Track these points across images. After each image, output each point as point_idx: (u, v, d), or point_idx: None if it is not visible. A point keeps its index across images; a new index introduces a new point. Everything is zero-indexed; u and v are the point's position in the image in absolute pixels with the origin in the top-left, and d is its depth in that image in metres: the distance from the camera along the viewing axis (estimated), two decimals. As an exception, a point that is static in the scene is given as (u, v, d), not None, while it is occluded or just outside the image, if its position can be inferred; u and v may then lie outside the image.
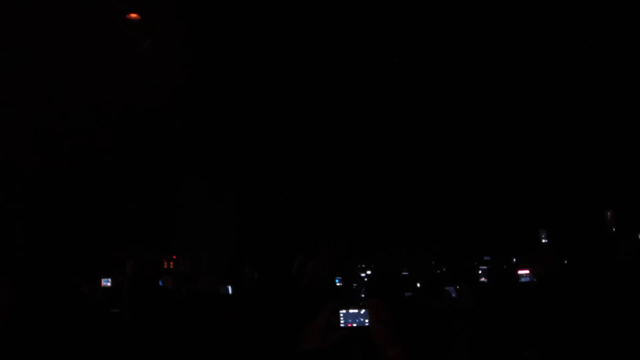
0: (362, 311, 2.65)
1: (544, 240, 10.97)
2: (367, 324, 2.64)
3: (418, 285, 8.41)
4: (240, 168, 14.04)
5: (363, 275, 11.77)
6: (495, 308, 4.38)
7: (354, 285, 9.00)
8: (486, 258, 12.08)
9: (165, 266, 12.81)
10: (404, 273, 11.54)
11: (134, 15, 10.77)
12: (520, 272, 6.19)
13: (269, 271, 8.39)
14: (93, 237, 12.40)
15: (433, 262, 13.50)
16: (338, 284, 8.28)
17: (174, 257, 13.13)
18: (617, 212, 12.62)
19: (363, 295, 6.19)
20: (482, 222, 14.69)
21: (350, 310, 2.66)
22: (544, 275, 4.70)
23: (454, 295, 5.41)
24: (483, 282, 7.52)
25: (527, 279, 5.97)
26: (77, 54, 10.51)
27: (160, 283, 8.01)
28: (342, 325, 2.67)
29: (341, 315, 2.67)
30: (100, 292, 9.21)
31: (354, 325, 2.65)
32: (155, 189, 13.46)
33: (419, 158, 14.50)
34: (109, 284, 9.67)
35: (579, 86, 11.72)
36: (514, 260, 9.82)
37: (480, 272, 8.00)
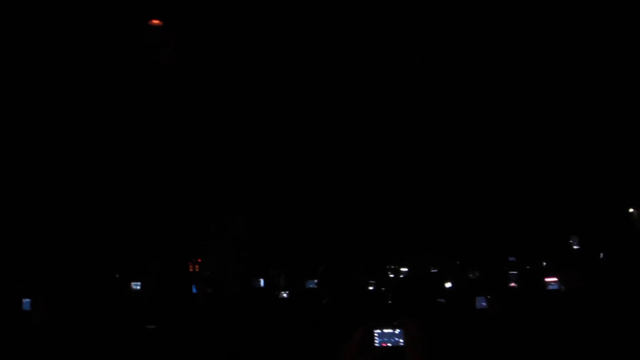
0: (397, 331, 2.67)
1: (575, 247, 10.79)
2: (401, 344, 2.66)
3: (447, 285, 8.40)
4: (268, 176, 14.09)
5: (392, 276, 11.75)
6: (525, 319, 4.38)
7: (382, 289, 9.00)
8: (511, 259, 12.00)
9: (191, 269, 12.86)
10: (434, 270, 11.52)
11: (156, 22, 10.84)
12: (547, 279, 6.14)
13: (297, 279, 8.43)
14: (119, 243, 12.50)
15: (458, 262, 13.45)
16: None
17: (199, 260, 13.16)
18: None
19: (390, 302, 6.18)
20: (510, 223, 14.58)
21: (385, 330, 2.68)
22: (576, 285, 4.67)
23: (484, 304, 5.39)
24: (513, 287, 7.50)
25: (555, 287, 5.92)
26: (100, 62, 10.62)
27: (194, 290, 8.03)
28: (376, 344, 2.68)
29: (376, 334, 2.69)
30: (131, 296, 9.24)
31: (389, 345, 2.66)
32: (181, 194, 13.53)
33: (446, 159, 14.46)
34: (139, 288, 9.62)
35: (606, 90, 11.63)
36: (544, 264, 9.74)
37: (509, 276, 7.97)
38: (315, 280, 8.64)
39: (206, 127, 12.87)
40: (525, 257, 11.57)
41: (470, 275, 10.07)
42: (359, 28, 10.56)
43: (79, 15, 9.53)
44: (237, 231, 14.27)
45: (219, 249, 13.91)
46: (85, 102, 11.33)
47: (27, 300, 5.26)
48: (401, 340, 2.66)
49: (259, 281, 9.32)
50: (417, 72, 11.79)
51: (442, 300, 5.51)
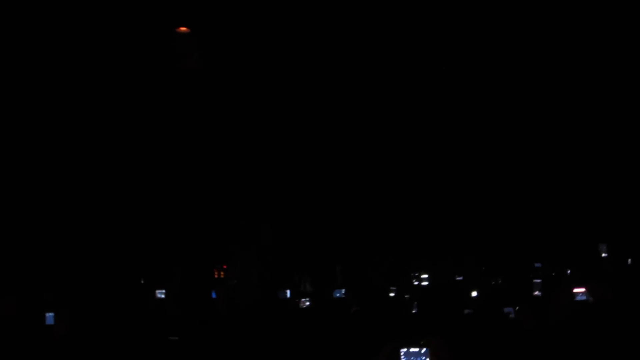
0: (423, 350, 2.64)
1: (603, 255, 10.57)
2: (428, 364, 2.63)
3: (474, 294, 8.30)
4: (292, 183, 14.09)
5: (416, 283, 11.59)
6: (554, 331, 4.30)
7: (406, 296, 8.91)
8: (537, 265, 11.83)
9: (216, 276, 12.82)
10: (459, 278, 11.38)
11: (183, 29, 10.86)
12: (576, 290, 6.01)
13: (323, 287, 8.38)
14: (144, 249, 12.50)
15: (483, 268, 13.28)
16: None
17: (224, 266, 13.10)
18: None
19: (415, 311, 6.11)
20: (535, 226, 14.32)
21: (411, 349, 2.65)
22: (604, 296, 4.59)
23: (512, 316, 5.30)
24: (537, 295, 7.40)
25: (584, 297, 5.80)
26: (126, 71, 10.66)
27: (214, 295, 8.04)
28: (402, 364, 2.66)
29: (402, 354, 2.67)
30: (155, 304, 9.21)
31: (415, 364, 2.64)
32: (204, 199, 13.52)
33: (471, 164, 14.34)
34: (163, 296, 9.55)
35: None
36: (569, 272, 9.59)
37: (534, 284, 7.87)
38: (343, 290, 8.57)
39: (233, 137, 12.90)
40: (552, 263, 11.39)
41: (493, 282, 9.96)
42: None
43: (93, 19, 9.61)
44: (262, 237, 14.24)
45: (244, 255, 13.87)
46: (110, 110, 11.39)
47: (51, 314, 5.24)
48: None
49: (285, 292, 9.14)
50: (441, 75, 11.73)
51: (469, 311, 5.43)
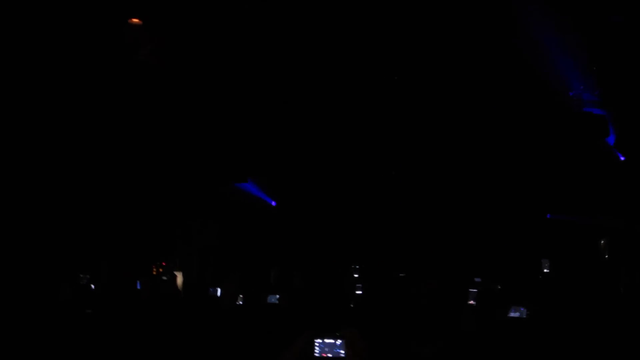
0: (338, 342, 2.57)
1: (545, 270, 10.63)
2: (342, 355, 2.56)
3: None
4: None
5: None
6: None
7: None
8: (477, 280, 11.88)
9: (155, 272, 12.69)
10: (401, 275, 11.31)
11: (135, 20, 10.77)
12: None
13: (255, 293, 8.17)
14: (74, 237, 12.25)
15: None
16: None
17: (163, 263, 12.99)
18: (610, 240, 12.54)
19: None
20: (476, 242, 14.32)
21: (327, 340, 2.59)
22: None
23: None
24: (472, 304, 7.40)
25: (517, 314, 5.75)
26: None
27: (139, 286, 7.90)
28: (316, 354, 2.59)
29: (317, 344, 2.59)
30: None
31: (329, 355, 2.56)
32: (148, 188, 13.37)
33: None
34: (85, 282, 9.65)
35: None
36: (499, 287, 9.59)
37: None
38: (277, 296, 8.39)
39: (179, 134, 12.81)
40: (491, 279, 11.43)
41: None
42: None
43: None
44: (203, 237, 14.12)
45: (183, 254, 13.74)
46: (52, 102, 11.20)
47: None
48: (342, 351, 2.56)
49: (216, 290, 9.04)
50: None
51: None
